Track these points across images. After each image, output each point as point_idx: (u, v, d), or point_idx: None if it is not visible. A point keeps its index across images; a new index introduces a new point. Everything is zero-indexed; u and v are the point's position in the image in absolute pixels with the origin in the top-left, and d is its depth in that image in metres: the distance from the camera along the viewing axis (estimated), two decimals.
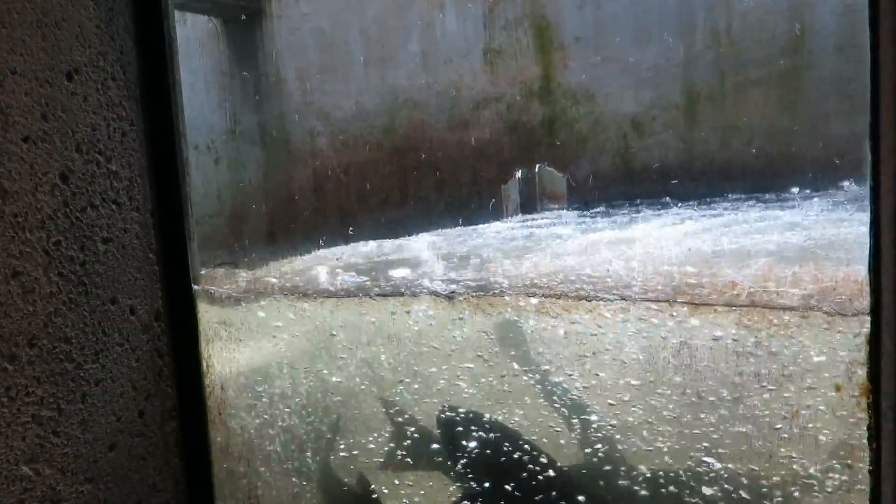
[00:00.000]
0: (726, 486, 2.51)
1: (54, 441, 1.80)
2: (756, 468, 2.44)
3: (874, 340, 1.26)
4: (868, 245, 1.28)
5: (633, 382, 2.80)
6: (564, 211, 5.75)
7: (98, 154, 1.91)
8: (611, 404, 2.95)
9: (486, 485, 3.11)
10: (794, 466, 2.36)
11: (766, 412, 2.35)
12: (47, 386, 1.78)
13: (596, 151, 6.07)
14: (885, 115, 1.09)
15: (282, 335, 3.51)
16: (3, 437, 1.67)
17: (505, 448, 3.16)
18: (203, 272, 2.41)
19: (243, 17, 6.98)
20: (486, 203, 6.18)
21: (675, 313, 2.55)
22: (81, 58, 1.87)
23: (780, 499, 2.41)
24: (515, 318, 3.22)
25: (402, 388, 3.38)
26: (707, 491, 2.59)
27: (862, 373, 1.36)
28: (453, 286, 3.38)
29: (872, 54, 1.15)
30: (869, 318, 1.29)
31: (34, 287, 1.73)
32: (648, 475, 2.79)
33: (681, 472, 2.71)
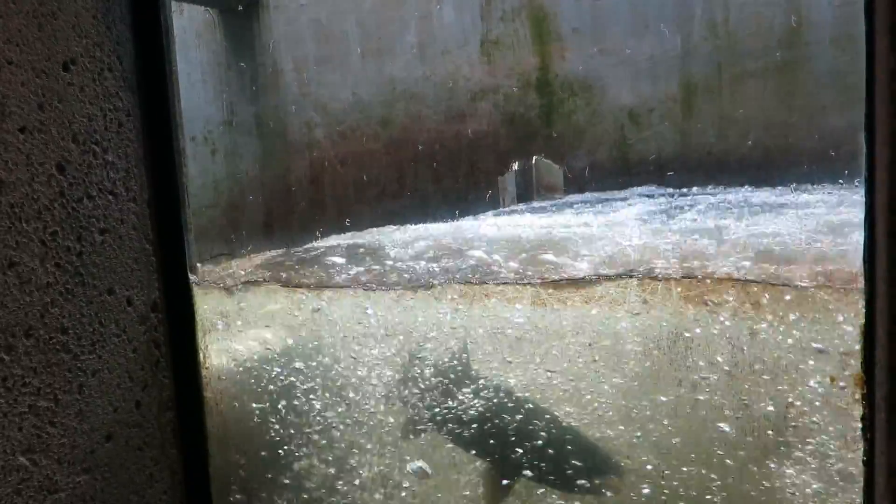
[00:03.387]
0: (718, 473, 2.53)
1: (51, 431, 1.81)
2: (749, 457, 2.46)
3: (868, 331, 1.27)
4: (863, 236, 1.28)
5: (634, 371, 2.82)
6: (561, 202, 5.76)
7: (94, 145, 1.91)
8: (607, 390, 2.96)
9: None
10: (787, 460, 2.38)
11: (761, 402, 2.36)
12: (44, 376, 1.79)
13: (593, 143, 6.07)
14: (879, 106, 1.09)
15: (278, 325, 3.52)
16: (0, 427, 1.67)
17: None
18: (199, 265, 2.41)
19: (240, 7, 6.96)
20: (482, 195, 6.18)
21: (670, 304, 2.56)
22: (78, 48, 1.86)
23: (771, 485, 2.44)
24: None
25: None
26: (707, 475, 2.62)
27: (856, 363, 1.36)
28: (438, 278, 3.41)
29: (868, 45, 1.15)
30: (863, 309, 1.30)
31: (31, 277, 1.73)
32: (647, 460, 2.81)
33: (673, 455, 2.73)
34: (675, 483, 2.73)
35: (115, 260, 1.99)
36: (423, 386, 3.30)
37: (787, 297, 2.35)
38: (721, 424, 2.57)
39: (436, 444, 3.30)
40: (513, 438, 3.19)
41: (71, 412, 1.86)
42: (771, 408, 2.48)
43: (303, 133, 7.03)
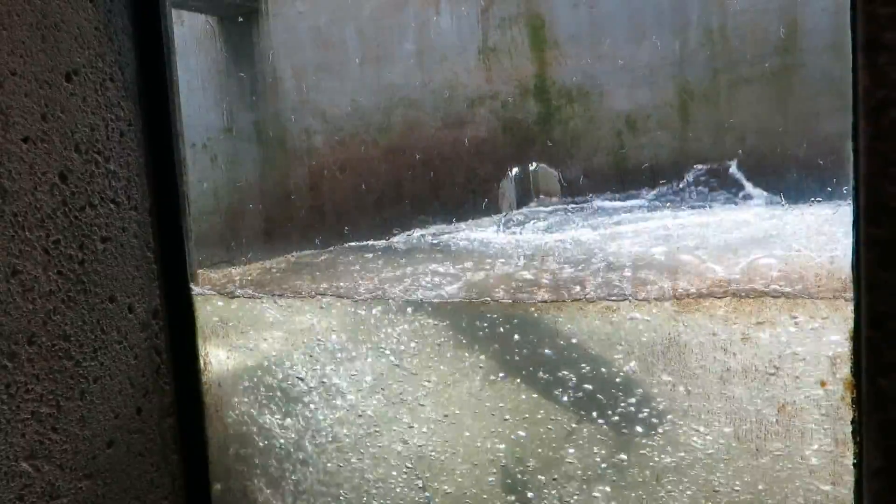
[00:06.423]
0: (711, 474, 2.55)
1: (53, 438, 1.83)
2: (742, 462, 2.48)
3: (857, 335, 1.29)
4: (851, 241, 1.31)
5: (624, 377, 2.83)
6: (559, 207, 5.78)
7: (97, 154, 1.94)
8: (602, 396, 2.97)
9: None
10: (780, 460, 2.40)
11: (753, 406, 2.38)
12: (46, 383, 1.81)
13: (590, 149, 6.09)
14: (860, 120, 1.13)
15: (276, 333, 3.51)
16: (3, 433, 1.70)
17: None
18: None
19: (240, 17, 6.99)
20: (480, 202, 6.20)
21: (662, 309, 2.58)
22: (80, 59, 1.89)
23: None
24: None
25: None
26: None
27: (846, 368, 1.39)
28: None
29: (853, 59, 1.18)
30: (852, 314, 1.33)
31: (34, 285, 1.76)
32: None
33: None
34: None
35: (116, 268, 2.01)
36: None
37: None
38: None
39: None
40: None
41: (73, 418, 1.88)
42: None
43: (302, 140, 7.05)
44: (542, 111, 6.31)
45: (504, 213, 5.93)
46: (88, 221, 1.92)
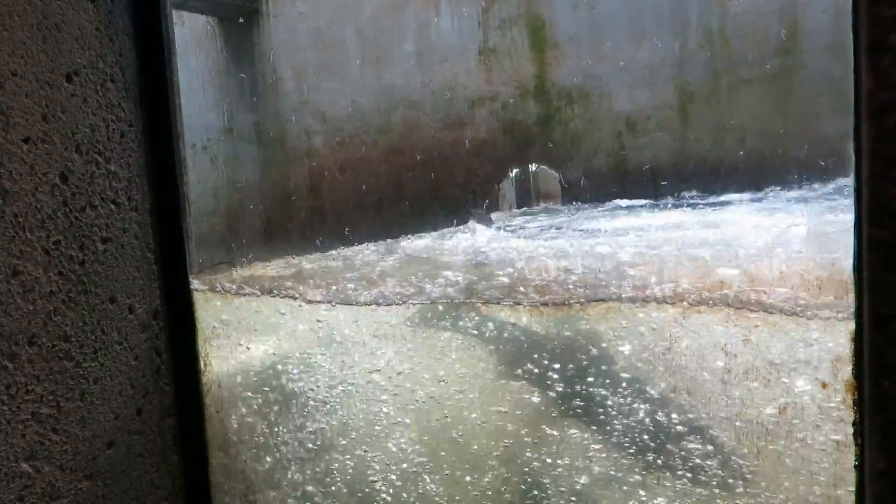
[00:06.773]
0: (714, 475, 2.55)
1: (53, 438, 1.83)
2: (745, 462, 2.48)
3: (858, 337, 1.29)
4: (853, 244, 1.31)
5: (623, 378, 2.83)
6: (559, 209, 5.78)
7: (97, 154, 1.94)
8: (602, 398, 2.97)
9: None
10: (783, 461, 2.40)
11: (754, 409, 2.38)
12: (47, 384, 1.80)
13: (590, 150, 6.09)
14: (863, 122, 1.13)
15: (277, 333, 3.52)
16: (3, 434, 1.69)
17: None
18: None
19: (240, 16, 6.99)
20: (480, 203, 6.20)
21: (662, 312, 2.58)
22: (81, 60, 1.89)
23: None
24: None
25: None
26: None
27: (847, 369, 1.39)
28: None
29: (855, 62, 1.18)
30: (854, 316, 1.32)
31: (34, 286, 1.76)
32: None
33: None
34: None
35: (117, 268, 2.01)
36: None
37: None
38: None
39: None
40: None
41: (73, 419, 1.88)
42: None
43: (302, 141, 7.05)
44: (542, 112, 6.31)
45: (503, 214, 5.93)
46: (89, 222, 1.91)
